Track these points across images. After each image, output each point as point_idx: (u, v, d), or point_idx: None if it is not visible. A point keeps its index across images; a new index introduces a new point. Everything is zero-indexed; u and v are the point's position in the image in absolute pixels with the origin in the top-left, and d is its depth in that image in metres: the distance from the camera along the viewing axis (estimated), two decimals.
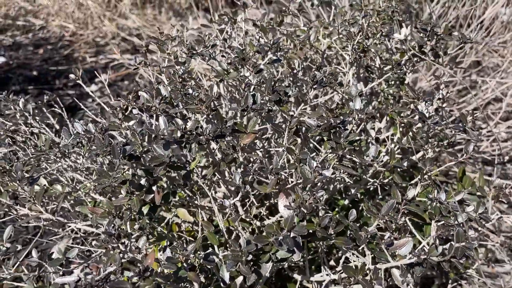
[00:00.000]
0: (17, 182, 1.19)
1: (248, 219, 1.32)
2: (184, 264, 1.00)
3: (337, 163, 1.10)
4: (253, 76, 1.22)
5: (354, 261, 1.26)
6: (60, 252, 1.11)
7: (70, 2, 3.93)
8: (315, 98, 1.53)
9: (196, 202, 1.31)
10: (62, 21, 3.94)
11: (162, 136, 1.04)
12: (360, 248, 1.24)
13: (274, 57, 1.32)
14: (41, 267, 1.10)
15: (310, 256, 1.43)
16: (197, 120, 1.11)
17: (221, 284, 1.07)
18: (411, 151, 1.53)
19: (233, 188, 1.28)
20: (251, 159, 1.42)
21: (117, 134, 1.27)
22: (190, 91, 1.19)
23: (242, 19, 1.52)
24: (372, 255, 1.13)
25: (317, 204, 1.02)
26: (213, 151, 1.25)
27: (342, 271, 1.19)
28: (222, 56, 1.42)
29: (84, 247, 1.28)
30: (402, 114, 1.34)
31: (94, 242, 1.39)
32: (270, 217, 1.40)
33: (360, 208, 1.51)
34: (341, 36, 1.45)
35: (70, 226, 1.47)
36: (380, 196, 1.47)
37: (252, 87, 1.20)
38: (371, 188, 1.56)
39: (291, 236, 0.99)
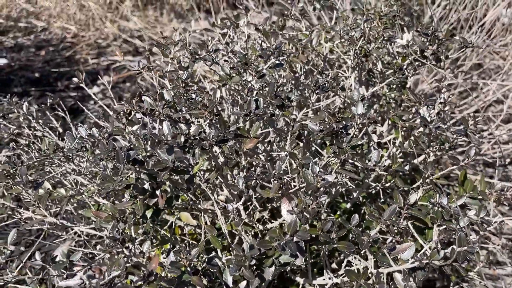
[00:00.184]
0: (21, 185, 1.20)
1: (250, 223, 1.32)
2: (188, 268, 1.01)
3: (340, 167, 1.11)
4: (256, 81, 1.23)
5: (356, 265, 1.26)
6: (64, 255, 1.12)
7: (72, 4, 3.94)
8: (317, 101, 1.54)
9: (199, 205, 1.31)
10: (63, 22, 3.95)
11: (166, 141, 1.04)
12: (362, 252, 1.25)
13: (277, 62, 1.32)
14: (44, 270, 1.11)
15: (312, 260, 1.43)
16: (201, 125, 1.12)
17: None
18: (412, 154, 1.54)
19: (235, 192, 1.29)
20: (254, 163, 1.43)
21: (120, 138, 1.28)
22: (194, 96, 1.20)
23: (245, 23, 1.53)
24: (374, 259, 1.14)
25: (320, 208, 1.03)
26: (215, 154, 1.26)
27: (344, 274, 1.19)
28: (225, 60, 1.43)
29: (86, 250, 1.28)
30: (403, 118, 1.35)
31: (99, 247, 1.40)
32: (272, 221, 1.41)
33: (362, 211, 1.52)
34: (343, 40, 1.46)
35: (73, 229, 1.48)
36: (382, 200, 1.48)
37: (255, 92, 1.21)
38: (373, 192, 1.57)
39: (294, 240, 1.00)
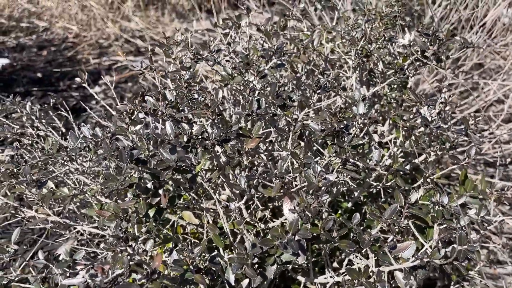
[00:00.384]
0: (25, 185, 1.21)
1: (252, 222, 1.33)
2: (191, 266, 1.02)
3: (341, 167, 1.11)
4: (258, 81, 1.24)
5: (357, 263, 1.27)
6: (67, 253, 1.13)
7: (73, 4, 3.95)
8: (318, 101, 1.54)
9: (201, 205, 1.32)
10: (65, 23, 3.96)
11: (168, 141, 1.05)
12: (363, 251, 1.26)
13: (278, 62, 1.33)
14: (47, 269, 1.12)
15: (313, 259, 1.44)
16: (203, 124, 1.13)
17: (227, 286, 1.09)
18: (413, 154, 1.55)
19: (237, 191, 1.30)
20: (255, 163, 1.44)
21: (122, 138, 1.29)
22: (196, 96, 1.21)
23: (246, 23, 1.54)
24: (376, 258, 1.15)
25: (321, 207, 1.04)
26: (217, 154, 1.27)
27: (345, 273, 1.20)
28: (227, 60, 1.44)
29: (89, 248, 1.29)
30: (404, 118, 1.36)
31: (102, 245, 1.41)
32: (274, 220, 1.41)
33: (363, 211, 1.53)
34: (344, 40, 1.46)
35: (76, 228, 1.49)
36: (383, 199, 1.48)
37: (257, 92, 1.22)
38: (374, 191, 1.57)
39: (296, 239, 1.00)
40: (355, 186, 1.39)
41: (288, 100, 1.18)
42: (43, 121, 1.50)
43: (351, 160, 1.13)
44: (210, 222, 1.32)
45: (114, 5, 3.99)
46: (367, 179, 1.41)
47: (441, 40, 1.39)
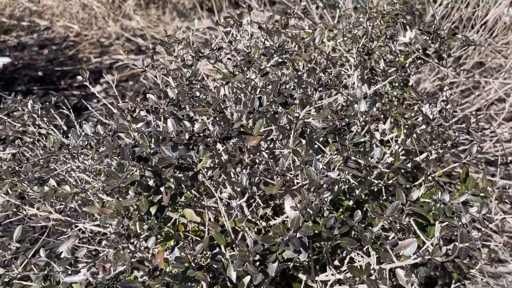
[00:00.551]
0: (27, 182, 1.21)
1: (254, 220, 1.33)
2: (192, 263, 1.02)
3: (342, 164, 1.11)
4: (259, 79, 1.24)
5: (359, 261, 1.27)
6: (69, 251, 1.13)
7: (75, 3, 3.95)
8: (319, 99, 1.54)
9: (202, 202, 1.32)
10: (66, 21, 3.96)
11: (170, 138, 1.05)
12: (365, 248, 1.26)
13: (280, 60, 1.33)
14: (49, 266, 1.12)
15: (315, 256, 1.44)
16: (204, 122, 1.13)
17: (228, 284, 1.09)
18: (414, 152, 1.55)
19: (239, 189, 1.30)
20: (257, 161, 1.44)
21: (124, 135, 1.29)
22: (198, 94, 1.21)
23: (248, 21, 1.54)
24: (377, 255, 1.15)
25: (323, 205, 1.04)
26: (219, 152, 1.27)
27: (347, 271, 1.20)
28: (228, 58, 1.44)
29: (91, 246, 1.30)
30: (406, 116, 1.36)
31: (104, 242, 1.41)
32: (275, 217, 1.41)
33: (365, 208, 1.53)
34: (345, 38, 1.46)
35: (78, 226, 1.49)
36: (384, 197, 1.49)
37: (258, 90, 1.22)
38: (375, 189, 1.58)
39: (298, 236, 1.00)
40: (357, 184, 1.39)
41: (289, 98, 1.18)
42: (45, 119, 1.51)
43: (353, 158, 1.13)
44: (212, 220, 1.32)
45: (115, 4, 3.99)
46: (368, 177, 1.41)
47: (443, 38, 1.39)
